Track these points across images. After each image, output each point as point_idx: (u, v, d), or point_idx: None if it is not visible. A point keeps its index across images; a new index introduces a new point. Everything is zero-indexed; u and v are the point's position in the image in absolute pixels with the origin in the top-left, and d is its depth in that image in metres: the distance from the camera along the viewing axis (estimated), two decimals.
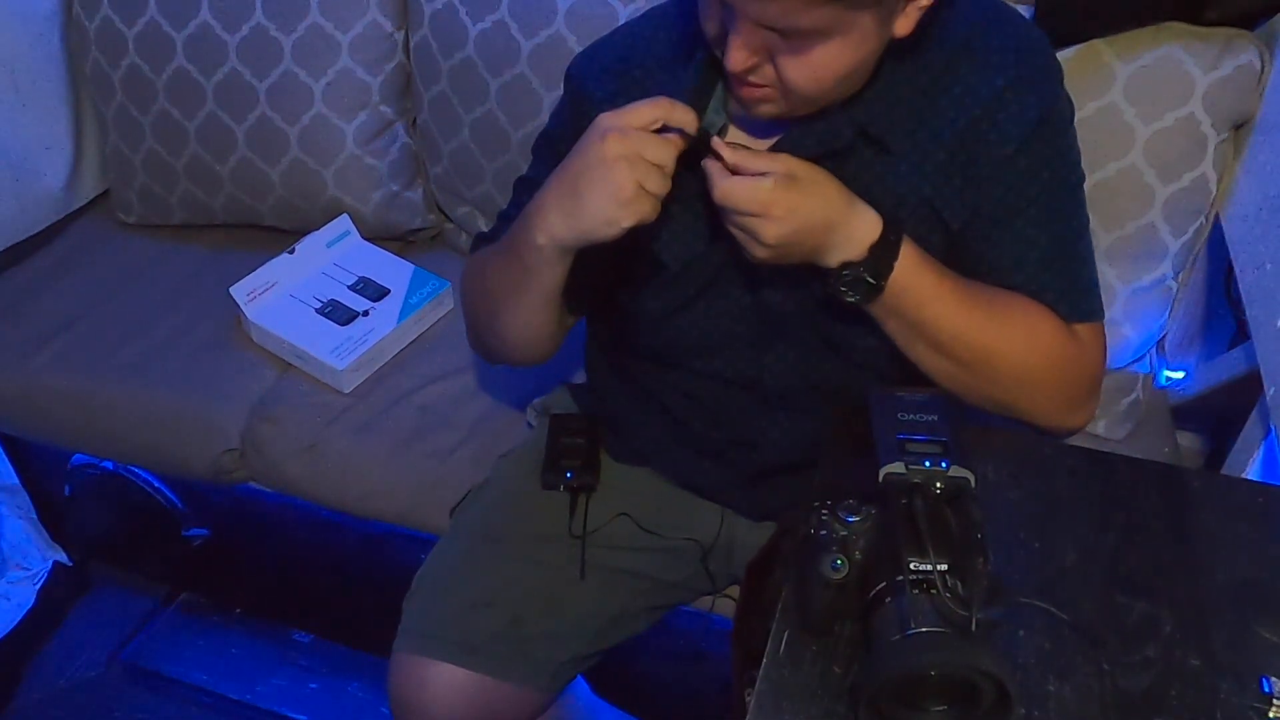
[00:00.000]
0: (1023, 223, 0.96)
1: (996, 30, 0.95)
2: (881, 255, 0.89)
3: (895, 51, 0.90)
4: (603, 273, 1.06)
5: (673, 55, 0.99)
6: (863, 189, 0.94)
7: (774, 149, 0.94)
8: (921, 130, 0.94)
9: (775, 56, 0.83)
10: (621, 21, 1.37)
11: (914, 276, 0.91)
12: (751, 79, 0.86)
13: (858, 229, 0.89)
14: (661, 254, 1.02)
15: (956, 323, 0.93)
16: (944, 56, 0.93)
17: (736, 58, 0.83)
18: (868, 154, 0.95)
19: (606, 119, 0.89)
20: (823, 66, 0.83)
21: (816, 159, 0.93)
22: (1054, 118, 0.95)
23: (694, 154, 0.92)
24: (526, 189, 1.08)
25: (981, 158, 0.94)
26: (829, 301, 0.96)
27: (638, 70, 1.00)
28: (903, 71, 0.92)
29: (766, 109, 0.88)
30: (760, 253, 0.89)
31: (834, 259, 0.90)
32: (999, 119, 0.93)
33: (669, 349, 1.08)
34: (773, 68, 0.84)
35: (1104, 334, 1.01)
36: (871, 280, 0.89)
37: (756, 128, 0.96)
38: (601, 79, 1.01)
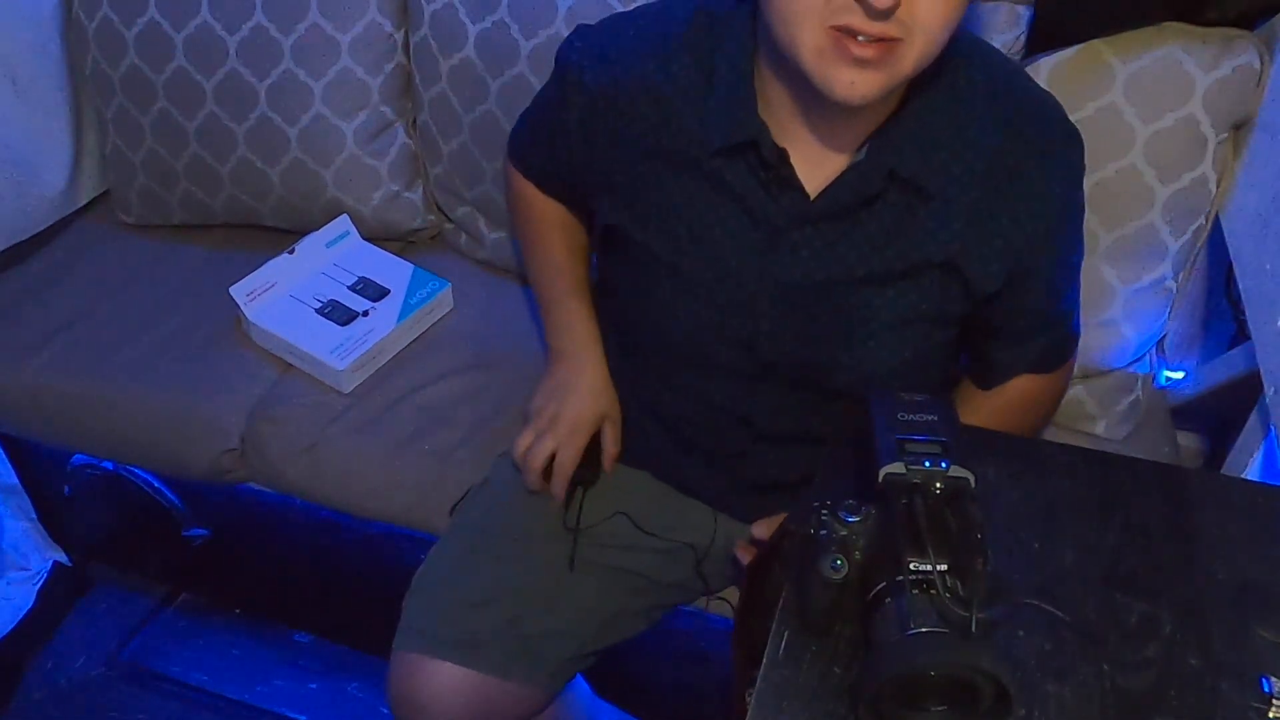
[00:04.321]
0: (1034, 298, 1.01)
1: (1020, 101, 0.96)
2: None
3: (916, 92, 0.90)
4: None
5: (672, 53, 0.98)
6: (898, 237, 0.95)
7: (817, 199, 0.94)
8: (955, 165, 0.93)
9: None
10: None
11: None
12: (886, 24, 0.80)
13: None
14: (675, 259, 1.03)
15: None
16: (961, 102, 0.93)
17: None
18: (903, 201, 0.94)
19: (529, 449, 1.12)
20: None
21: (853, 208, 0.94)
22: (1075, 189, 0.98)
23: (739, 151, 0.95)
24: (534, 113, 1.17)
25: (1009, 229, 0.95)
26: (826, 360, 1.00)
27: (637, 67, 0.99)
28: (927, 113, 0.92)
29: (865, 83, 0.82)
30: None
31: None
32: (1025, 193, 0.94)
33: (665, 348, 1.08)
34: (906, 3, 0.79)
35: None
36: None
37: (811, 156, 0.94)
38: (598, 67, 1.01)
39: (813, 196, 0.94)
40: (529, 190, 1.23)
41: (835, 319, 0.99)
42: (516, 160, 1.23)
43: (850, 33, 0.79)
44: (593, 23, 1.39)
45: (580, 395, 1.15)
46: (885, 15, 0.78)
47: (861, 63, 0.80)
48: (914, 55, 0.82)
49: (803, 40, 0.81)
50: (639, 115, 0.99)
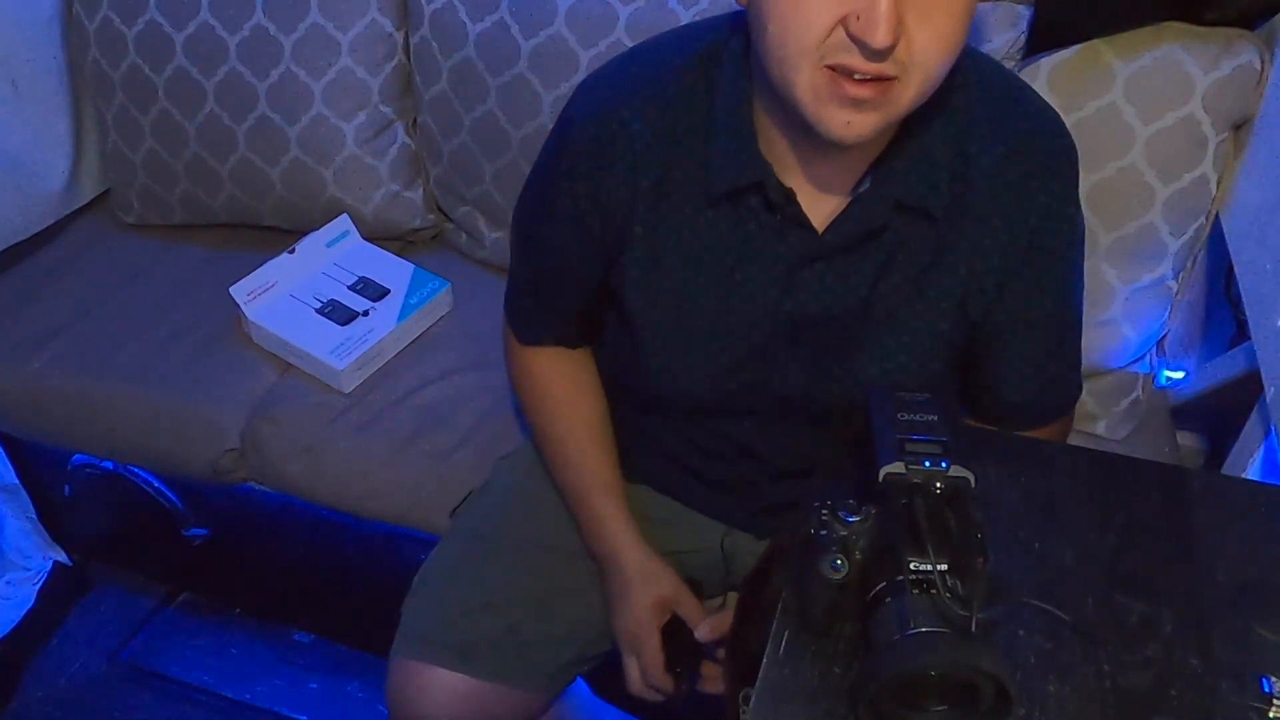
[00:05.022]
0: (1039, 335, 0.99)
1: (1020, 117, 0.94)
2: None
3: (916, 116, 0.88)
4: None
5: (670, 99, 0.94)
6: (907, 263, 0.94)
7: (825, 233, 0.93)
8: (957, 186, 0.92)
9: (906, 23, 0.77)
10: (621, 22, 1.37)
11: None
12: (882, 63, 0.78)
13: None
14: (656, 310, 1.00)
15: None
16: (960, 122, 0.92)
17: (888, 26, 0.75)
18: (909, 226, 0.93)
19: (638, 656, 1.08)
20: (950, 19, 0.78)
21: (861, 239, 0.92)
22: (1073, 198, 0.96)
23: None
24: (533, 244, 1.08)
25: (1008, 242, 0.93)
26: (840, 398, 0.99)
27: (638, 118, 0.94)
28: (927, 137, 0.90)
29: (862, 123, 0.81)
30: None
31: None
32: (1025, 210, 0.92)
33: (658, 398, 1.07)
34: (904, 41, 0.77)
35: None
36: None
37: (815, 192, 0.93)
38: (600, 121, 0.96)
39: (820, 231, 0.93)
40: (535, 366, 1.16)
41: (847, 354, 0.98)
42: (518, 320, 1.15)
43: (846, 72, 0.78)
44: (592, 23, 1.39)
45: (628, 600, 1.08)
46: (883, 56, 0.77)
47: (858, 103, 0.79)
48: (911, 93, 0.80)
49: (798, 81, 0.80)
50: (643, 165, 0.95)
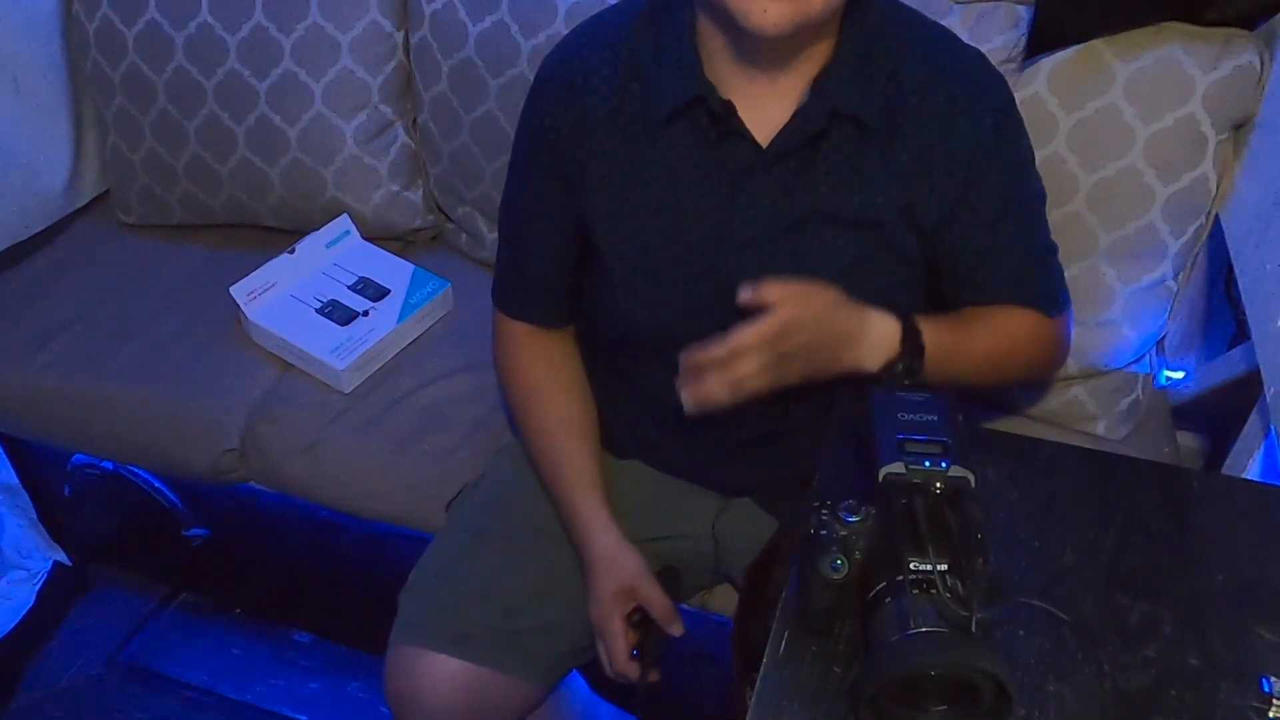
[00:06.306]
0: (1000, 235, 1.03)
1: (937, 40, 1.02)
2: (912, 341, 0.95)
3: (847, 37, 0.95)
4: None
5: (624, 39, 1.02)
6: (852, 176, 0.98)
7: (771, 145, 0.98)
8: (893, 104, 0.97)
9: None
10: None
11: (938, 344, 0.97)
12: None
13: (878, 334, 0.95)
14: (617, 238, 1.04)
15: (979, 363, 1.04)
16: (888, 45, 0.98)
17: None
18: (850, 142, 0.98)
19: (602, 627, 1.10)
20: None
21: (802, 148, 0.97)
22: (1008, 122, 1.02)
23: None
24: (512, 211, 1.14)
25: (947, 163, 0.99)
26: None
27: (594, 57, 1.02)
28: (859, 55, 0.96)
29: (778, 11, 0.86)
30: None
31: (871, 365, 0.95)
32: (955, 125, 0.98)
33: (631, 334, 1.09)
34: None
35: (1072, 312, 1.15)
36: (915, 368, 0.95)
37: (759, 110, 0.97)
38: (562, 70, 1.04)
39: (765, 146, 0.98)
40: (519, 352, 1.19)
41: (801, 265, 1.01)
42: (502, 292, 1.19)
43: None
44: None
45: (594, 590, 1.11)
46: None
47: None
48: None
49: None
50: (599, 96, 1.02)
